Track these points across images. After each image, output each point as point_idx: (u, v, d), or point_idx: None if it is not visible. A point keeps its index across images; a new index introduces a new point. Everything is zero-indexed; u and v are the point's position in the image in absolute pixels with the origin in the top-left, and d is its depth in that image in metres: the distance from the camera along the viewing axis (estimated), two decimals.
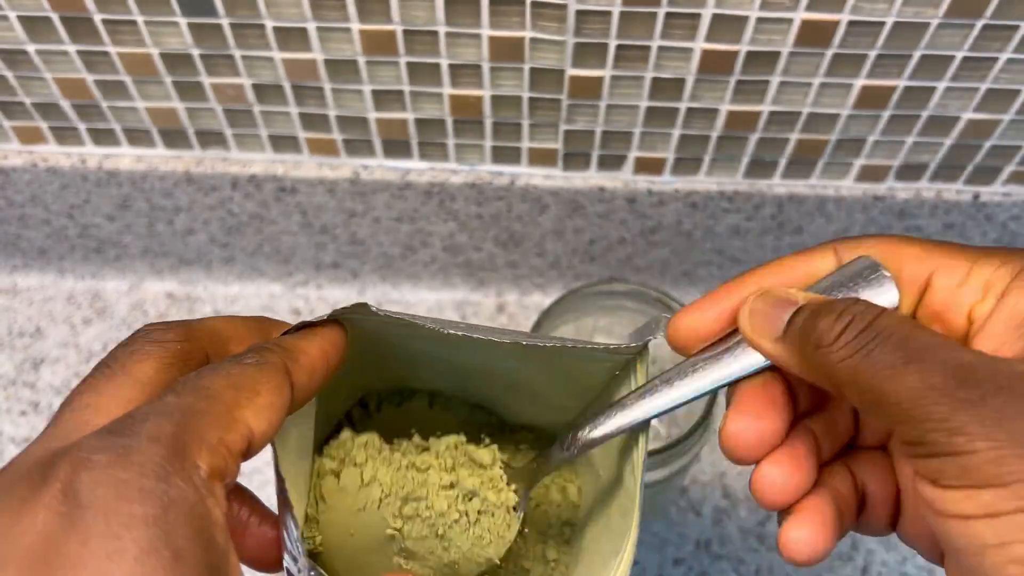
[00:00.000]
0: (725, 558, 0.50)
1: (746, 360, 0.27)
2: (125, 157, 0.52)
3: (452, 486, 0.30)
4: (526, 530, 0.34)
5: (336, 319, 0.28)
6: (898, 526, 0.28)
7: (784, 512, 0.26)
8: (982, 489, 0.20)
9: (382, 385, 0.37)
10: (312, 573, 0.26)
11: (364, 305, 0.27)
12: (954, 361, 0.22)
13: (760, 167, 0.50)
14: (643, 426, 0.29)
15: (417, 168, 0.51)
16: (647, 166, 0.51)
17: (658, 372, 0.28)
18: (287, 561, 0.27)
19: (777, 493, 0.26)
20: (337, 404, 0.36)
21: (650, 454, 0.41)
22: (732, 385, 0.27)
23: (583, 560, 0.32)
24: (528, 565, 0.34)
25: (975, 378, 0.21)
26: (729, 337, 0.27)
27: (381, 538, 0.31)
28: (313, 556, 0.32)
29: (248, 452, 0.23)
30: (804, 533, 0.26)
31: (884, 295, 0.25)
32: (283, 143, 0.51)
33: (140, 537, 0.18)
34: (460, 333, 0.27)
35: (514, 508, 0.31)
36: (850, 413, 0.28)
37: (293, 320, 0.33)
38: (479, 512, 0.30)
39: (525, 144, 0.50)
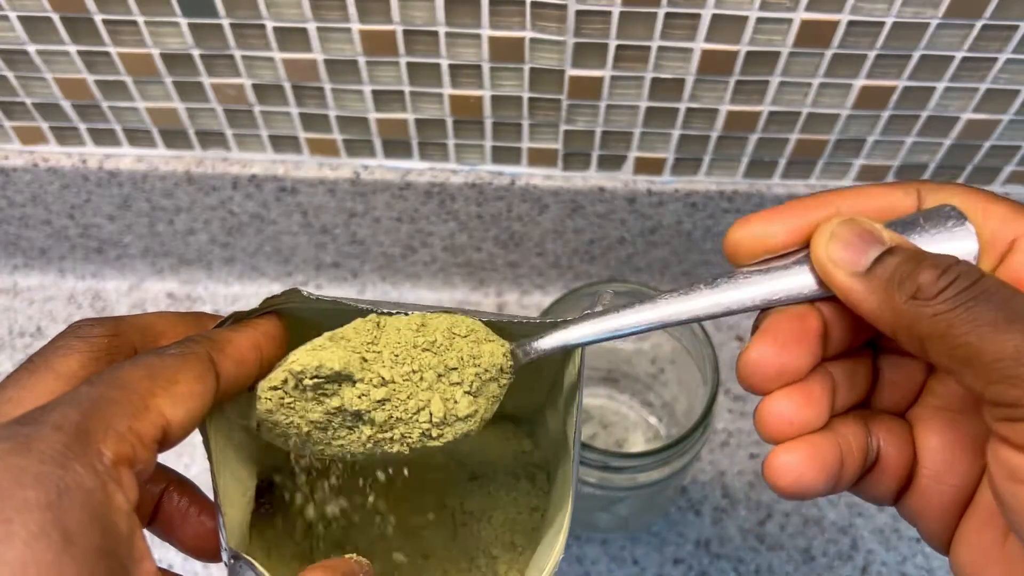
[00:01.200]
0: (725, 558, 0.50)
1: (798, 282, 0.25)
2: (126, 157, 0.52)
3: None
4: (496, 514, 0.35)
5: (275, 311, 0.28)
6: (903, 498, 0.27)
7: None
8: None
9: None
10: (237, 563, 0.26)
11: (296, 291, 0.27)
12: None
13: (760, 167, 0.50)
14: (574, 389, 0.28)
15: (417, 168, 0.51)
16: (647, 166, 0.51)
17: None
18: (223, 553, 0.27)
19: (783, 426, 0.25)
20: None
21: (650, 454, 0.41)
22: (764, 311, 0.26)
23: (543, 540, 0.32)
24: (496, 553, 0.34)
25: None
26: (784, 257, 0.26)
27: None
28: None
29: (165, 440, 0.23)
30: (793, 458, 0.25)
31: (964, 248, 0.25)
32: (283, 143, 0.51)
33: (30, 520, 0.19)
34: (393, 312, 0.27)
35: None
36: (870, 369, 0.28)
37: None
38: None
39: (525, 144, 0.50)
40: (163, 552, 0.48)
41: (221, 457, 0.28)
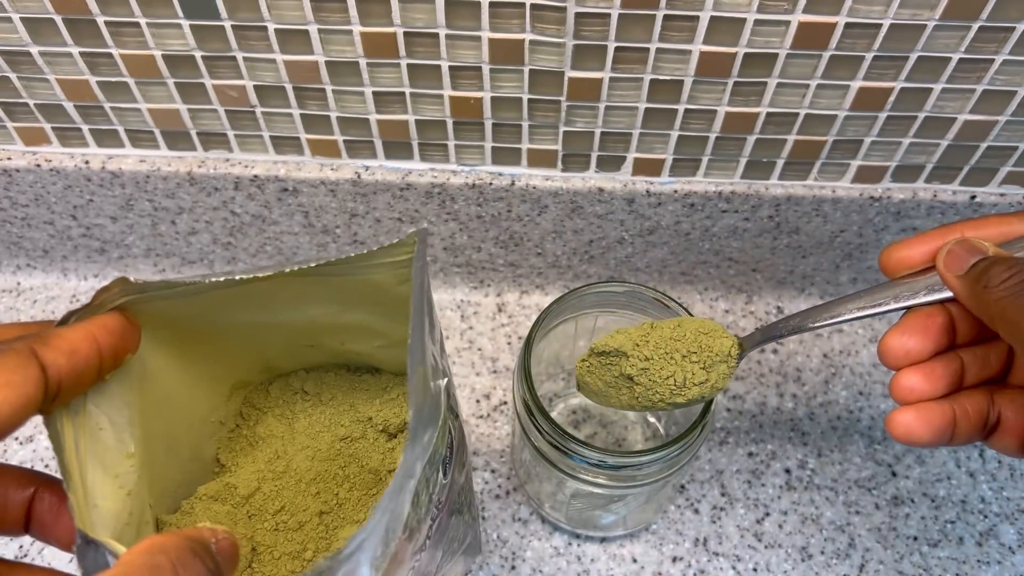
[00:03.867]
0: (723, 556, 0.50)
1: (927, 285, 0.34)
2: (128, 158, 0.52)
3: None
4: None
5: (120, 307, 0.29)
6: None
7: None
8: None
9: (256, 377, 0.39)
10: (88, 546, 0.26)
11: (124, 279, 0.28)
12: None
13: (758, 168, 0.50)
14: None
15: (418, 169, 0.52)
16: (646, 167, 0.51)
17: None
18: (74, 548, 0.27)
19: (905, 393, 0.33)
20: (218, 403, 0.38)
21: (649, 452, 0.41)
22: (908, 310, 0.34)
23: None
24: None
25: None
26: (925, 272, 0.35)
27: None
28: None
29: None
30: (906, 418, 0.33)
31: None
32: (285, 144, 0.51)
33: None
34: (223, 279, 0.28)
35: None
36: (1005, 351, 0.35)
37: None
38: None
39: (525, 145, 0.50)
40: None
41: (89, 451, 0.28)
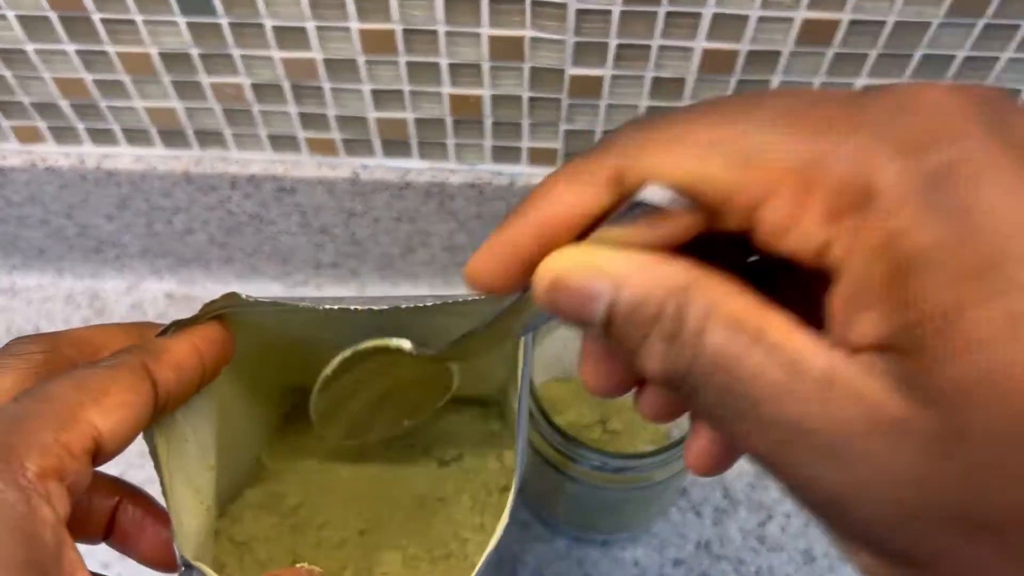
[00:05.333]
0: (725, 559, 0.50)
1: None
2: (124, 157, 0.52)
3: None
4: (464, 498, 0.35)
5: (218, 315, 0.28)
6: None
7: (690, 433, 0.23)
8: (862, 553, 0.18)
9: (313, 383, 0.37)
10: (189, 572, 0.26)
11: (234, 295, 0.27)
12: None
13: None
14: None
15: (417, 168, 0.51)
16: None
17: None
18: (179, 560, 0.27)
19: (655, 414, 0.23)
20: (271, 406, 0.36)
21: (651, 454, 0.41)
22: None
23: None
24: (466, 535, 0.35)
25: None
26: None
27: None
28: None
29: (100, 452, 0.23)
30: (701, 443, 0.23)
31: (686, 219, 0.19)
32: (282, 143, 0.51)
33: None
34: (337, 307, 0.27)
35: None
36: None
37: None
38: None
39: (525, 144, 0.49)
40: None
41: (175, 465, 0.28)
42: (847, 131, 0.16)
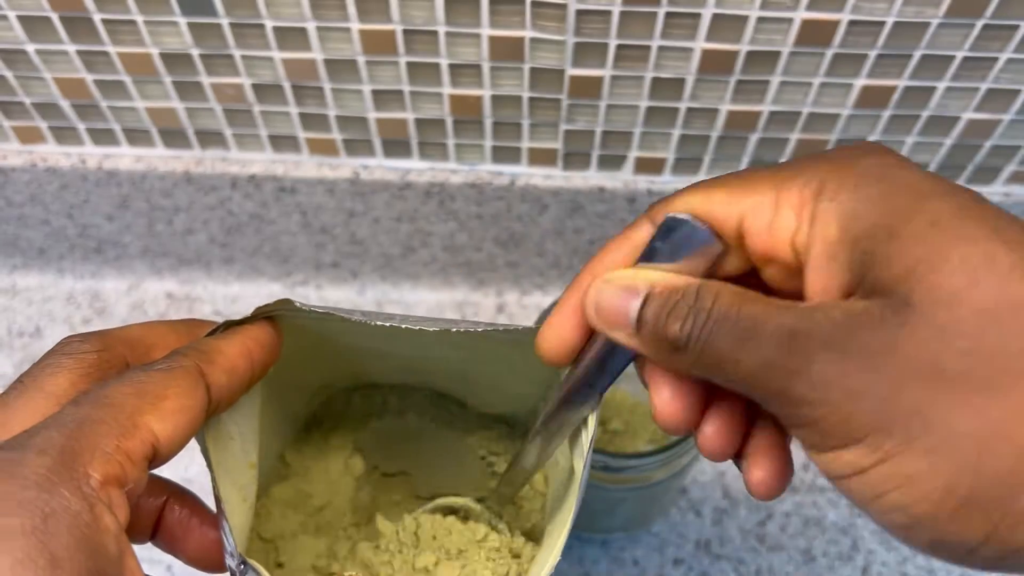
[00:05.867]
0: (725, 558, 0.50)
1: (604, 356, 0.26)
2: (125, 157, 0.52)
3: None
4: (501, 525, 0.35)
5: (267, 316, 0.28)
6: None
7: (738, 458, 0.26)
8: (843, 450, 0.21)
9: (343, 383, 0.37)
10: (246, 569, 0.26)
11: (288, 301, 0.27)
12: (780, 330, 0.21)
13: (760, 167, 0.50)
14: (588, 408, 0.29)
15: (417, 168, 0.51)
16: (647, 166, 0.50)
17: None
18: (228, 560, 0.27)
19: (721, 449, 0.26)
20: (299, 404, 0.36)
21: (651, 454, 0.41)
22: (638, 364, 0.26)
23: (543, 547, 0.32)
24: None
25: (799, 343, 0.21)
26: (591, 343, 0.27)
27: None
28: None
29: (156, 457, 0.23)
30: (763, 474, 0.26)
31: (707, 247, 0.25)
32: (283, 143, 0.51)
33: (16, 547, 0.19)
34: (388, 324, 0.27)
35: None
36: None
37: None
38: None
39: (525, 144, 0.49)
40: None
41: (221, 464, 0.28)
42: (807, 165, 0.24)
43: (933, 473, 0.20)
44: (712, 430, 0.26)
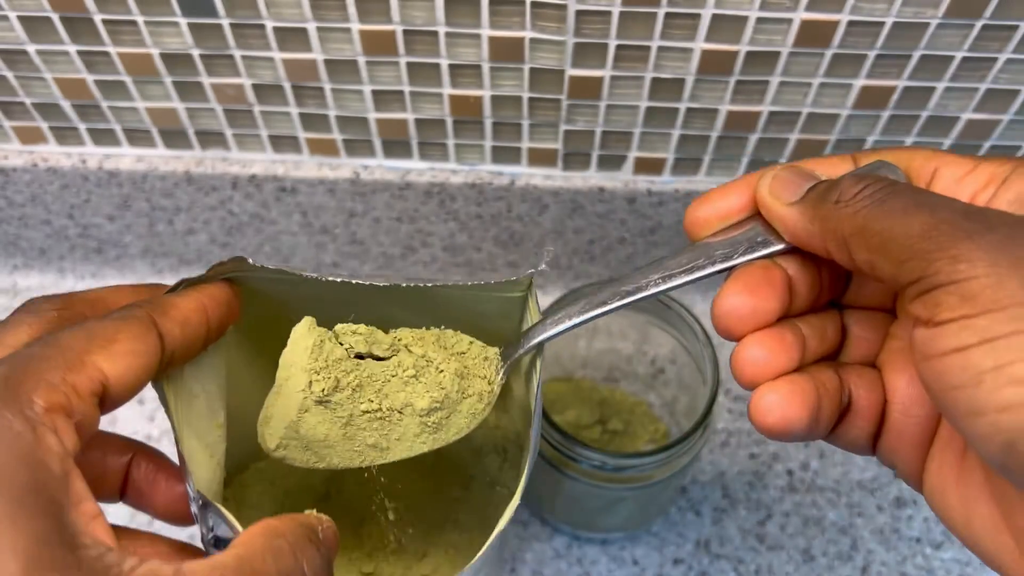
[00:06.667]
0: (725, 558, 0.50)
1: (752, 234, 0.28)
2: (125, 157, 0.52)
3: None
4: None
5: (226, 278, 0.30)
6: (879, 441, 0.28)
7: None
8: (979, 316, 0.21)
9: None
10: (206, 510, 0.27)
11: (241, 259, 0.29)
12: (963, 206, 0.23)
13: (760, 167, 0.50)
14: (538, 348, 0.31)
15: (417, 168, 0.51)
16: (647, 166, 0.51)
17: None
18: (192, 507, 0.28)
19: (759, 370, 0.26)
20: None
21: (650, 454, 0.41)
22: (732, 269, 0.28)
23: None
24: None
25: (982, 215, 0.22)
26: (739, 225, 0.28)
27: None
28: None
29: (107, 396, 0.24)
30: (777, 397, 0.25)
31: None
32: (283, 143, 0.51)
33: None
34: (339, 280, 0.29)
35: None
36: (838, 326, 0.29)
37: None
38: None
39: (525, 144, 0.50)
40: None
41: (185, 419, 0.29)
42: (1004, 157, 0.26)
43: None
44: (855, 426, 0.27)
